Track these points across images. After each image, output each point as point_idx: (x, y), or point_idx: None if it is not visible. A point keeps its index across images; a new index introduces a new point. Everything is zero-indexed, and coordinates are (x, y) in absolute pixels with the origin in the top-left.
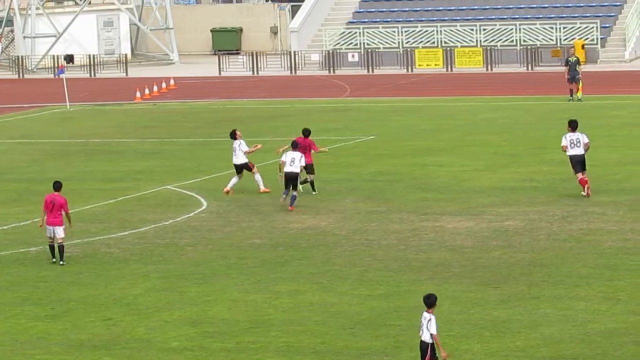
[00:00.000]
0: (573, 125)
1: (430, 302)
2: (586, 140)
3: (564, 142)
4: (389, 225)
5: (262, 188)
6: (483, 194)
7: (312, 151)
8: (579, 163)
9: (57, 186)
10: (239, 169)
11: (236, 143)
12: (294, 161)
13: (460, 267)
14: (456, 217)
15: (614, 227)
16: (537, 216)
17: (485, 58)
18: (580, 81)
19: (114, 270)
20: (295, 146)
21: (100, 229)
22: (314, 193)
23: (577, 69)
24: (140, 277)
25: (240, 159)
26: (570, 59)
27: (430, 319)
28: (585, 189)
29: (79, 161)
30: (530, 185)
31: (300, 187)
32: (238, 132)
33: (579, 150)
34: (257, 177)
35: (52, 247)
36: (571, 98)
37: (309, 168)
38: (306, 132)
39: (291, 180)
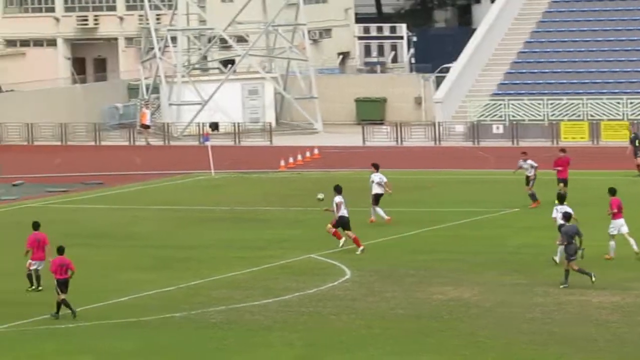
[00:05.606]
0: None
1: None
2: None
3: None
4: (533, 299)
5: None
6: (630, 267)
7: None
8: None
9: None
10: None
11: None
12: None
13: (605, 342)
14: (602, 292)
15: None
16: None
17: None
18: None
19: (258, 337)
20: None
21: (244, 296)
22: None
23: None
24: (285, 345)
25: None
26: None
27: None
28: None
29: (223, 228)
30: None
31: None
32: None
33: None
34: None
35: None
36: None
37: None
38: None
39: None
